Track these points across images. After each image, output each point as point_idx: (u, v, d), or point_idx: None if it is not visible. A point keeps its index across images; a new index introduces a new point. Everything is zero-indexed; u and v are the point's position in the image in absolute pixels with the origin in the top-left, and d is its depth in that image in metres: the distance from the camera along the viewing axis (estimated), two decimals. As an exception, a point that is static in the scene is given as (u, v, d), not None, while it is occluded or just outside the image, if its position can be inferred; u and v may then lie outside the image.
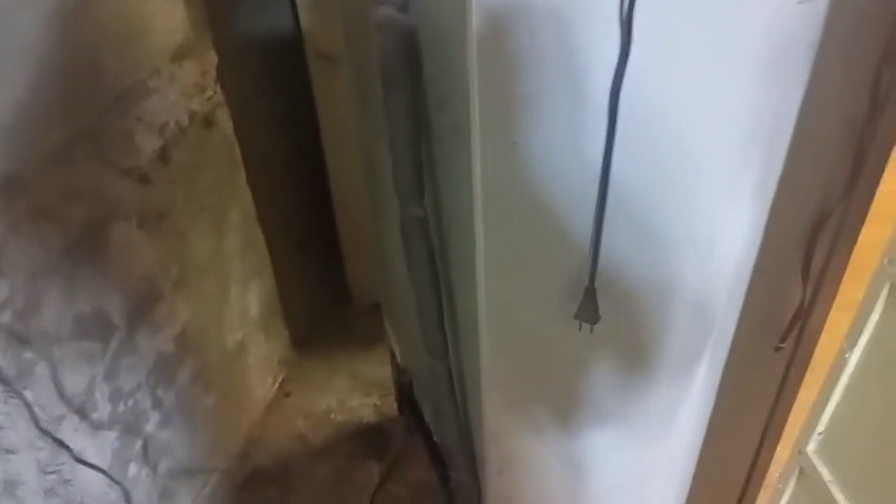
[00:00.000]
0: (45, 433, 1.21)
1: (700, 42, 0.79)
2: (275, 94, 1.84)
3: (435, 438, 1.34)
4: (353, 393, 2.11)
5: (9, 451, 1.14)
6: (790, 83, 0.86)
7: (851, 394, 0.85)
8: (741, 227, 0.99)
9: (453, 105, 0.79)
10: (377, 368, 2.11)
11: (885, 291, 0.76)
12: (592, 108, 0.79)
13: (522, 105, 0.77)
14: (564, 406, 1.15)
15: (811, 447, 0.92)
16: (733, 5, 0.78)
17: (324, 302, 2.28)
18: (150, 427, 1.53)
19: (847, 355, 0.82)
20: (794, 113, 0.88)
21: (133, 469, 1.49)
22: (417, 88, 0.85)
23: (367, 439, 1.96)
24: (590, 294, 0.94)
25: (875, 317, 0.78)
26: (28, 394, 1.15)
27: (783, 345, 1.17)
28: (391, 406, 2.00)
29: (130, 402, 1.45)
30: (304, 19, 1.75)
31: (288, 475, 1.88)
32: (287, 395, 2.11)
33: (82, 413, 1.31)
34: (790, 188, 0.96)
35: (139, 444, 1.50)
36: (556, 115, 0.80)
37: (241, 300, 1.81)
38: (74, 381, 1.27)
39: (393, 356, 1.82)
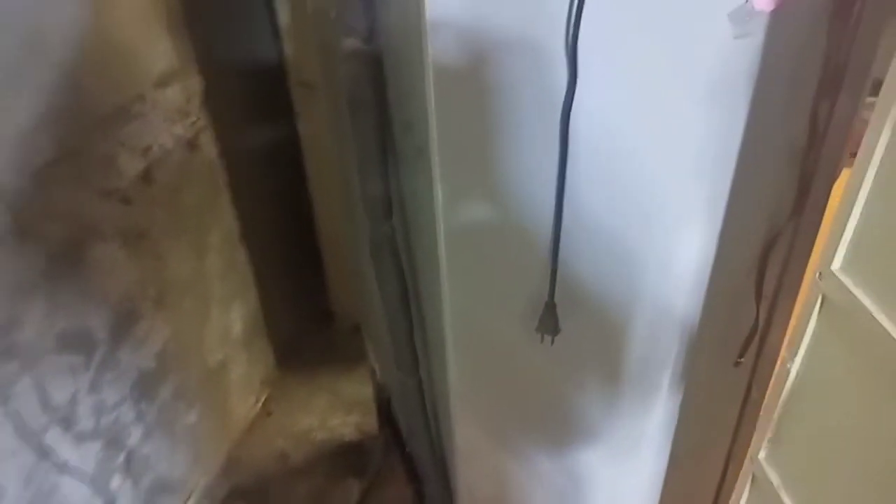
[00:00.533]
0: (30, 442, 1.24)
1: (643, 72, 0.85)
2: (258, 119, 1.90)
3: (408, 451, 1.37)
4: (335, 412, 2.13)
5: (-7, 461, 1.17)
6: (733, 112, 0.92)
7: (794, 403, 0.89)
8: (694, 247, 1.04)
9: (416, 128, 0.84)
10: (359, 388, 2.13)
11: (818, 304, 0.80)
12: (546, 131, 0.84)
13: (479, 128, 0.82)
14: (531, 420, 1.19)
15: (762, 454, 0.96)
16: (674, 39, 0.84)
17: (307, 322, 2.31)
18: (132, 440, 1.55)
19: (788, 366, 0.86)
20: (738, 140, 0.94)
21: (116, 481, 1.51)
22: (383, 113, 0.90)
23: (347, 457, 1.98)
24: (550, 308, 0.98)
25: (811, 328, 0.82)
26: (13, 404, 1.18)
27: (742, 360, 1.22)
28: (372, 424, 2.02)
29: (114, 415, 1.48)
30: (287, 48, 1.81)
31: (267, 494, 1.90)
32: (269, 413, 2.13)
33: (66, 424, 1.34)
34: (739, 211, 1.01)
35: (122, 456, 1.52)
36: (512, 139, 0.85)
37: (222, 320, 1.84)
38: (58, 393, 1.30)
39: (373, 374, 1.85)
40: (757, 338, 1.21)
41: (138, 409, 1.55)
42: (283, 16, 1.78)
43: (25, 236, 1.16)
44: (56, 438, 1.30)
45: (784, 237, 1.09)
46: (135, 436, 1.55)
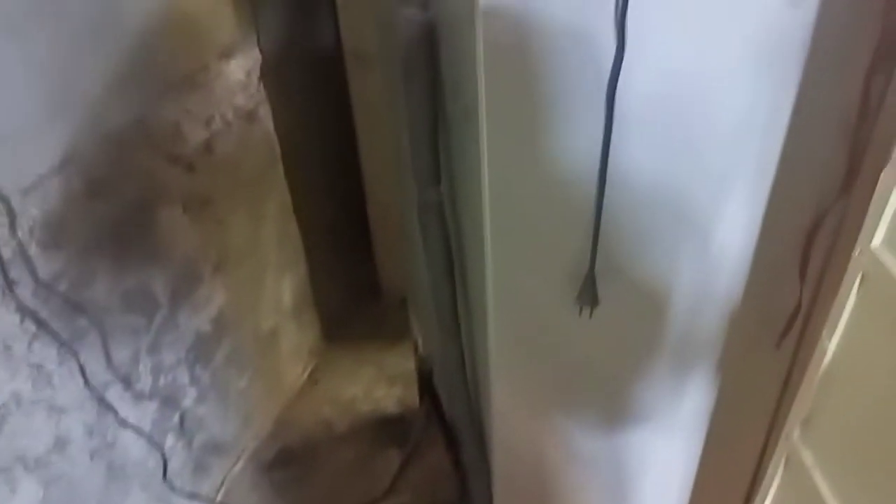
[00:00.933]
0: (94, 396, 1.32)
1: (692, 41, 0.86)
2: (313, 91, 1.95)
3: (447, 418, 1.41)
4: (379, 384, 2.19)
5: (61, 410, 1.25)
6: (783, 83, 0.92)
7: (830, 382, 0.89)
8: (738, 222, 1.05)
9: (465, 91, 0.87)
10: (403, 362, 2.18)
11: (857, 282, 0.80)
12: (592, 100, 0.86)
13: (526, 94, 0.85)
14: (567, 390, 1.21)
15: (796, 434, 0.96)
16: (726, 6, 0.85)
17: (354, 296, 2.37)
18: (187, 402, 1.63)
19: (826, 343, 0.86)
20: (788, 111, 0.94)
21: (170, 440, 1.59)
22: (435, 78, 0.93)
23: (389, 427, 2.04)
24: (590, 279, 1.00)
25: (849, 306, 0.82)
26: (80, 358, 1.26)
27: (783, 341, 1.21)
28: (413, 397, 2.07)
29: (170, 377, 1.55)
30: (343, 20, 1.85)
31: (313, 457, 1.97)
32: (315, 382, 2.20)
33: (127, 382, 1.42)
34: (786, 185, 1.01)
35: (177, 416, 1.60)
36: (559, 106, 0.87)
37: (275, 288, 1.91)
38: (121, 352, 1.38)
39: (416, 347, 1.90)
40: (800, 320, 1.20)
41: (193, 371, 1.62)
42: (339, -10, 1.83)
43: (97, 197, 1.24)
44: (117, 395, 1.38)
45: (832, 217, 1.08)
46: (189, 397, 1.63)
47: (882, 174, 0.78)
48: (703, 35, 0.86)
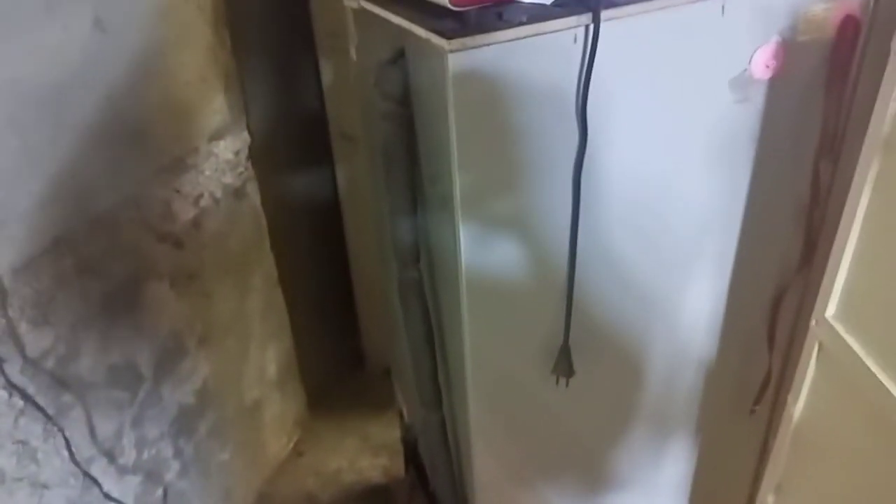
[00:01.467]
0: (79, 471, 1.31)
1: (651, 132, 0.93)
2: (301, 169, 2.02)
3: (431, 488, 1.42)
4: (364, 454, 2.18)
5: (44, 486, 1.25)
6: (737, 172, 0.99)
7: (798, 447, 0.93)
8: (705, 296, 1.10)
9: (441, 180, 0.93)
10: (387, 431, 2.18)
11: (815, 350, 0.85)
12: (561, 184, 0.92)
13: (498, 181, 0.91)
14: (548, 459, 1.23)
15: (770, 501, 0.99)
16: (679, 103, 0.92)
17: (339, 366, 2.38)
18: (170, 476, 1.62)
19: (792, 409, 0.91)
20: (743, 197, 1.01)
21: (153, 515, 1.58)
22: (413, 167, 0.99)
23: (374, 499, 2.02)
24: (564, 351, 1.04)
25: (809, 373, 0.87)
26: (66, 434, 1.27)
27: (757, 408, 1.25)
28: (398, 467, 2.06)
29: (154, 450, 1.55)
30: (329, 103, 1.94)
31: (296, 532, 1.94)
32: (300, 454, 2.18)
33: (111, 456, 1.41)
34: (748, 263, 1.07)
35: (160, 490, 1.59)
36: (529, 191, 0.93)
37: (259, 360, 1.93)
38: (105, 426, 1.38)
39: (401, 416, 1.91)
40: (772, 387, 1.24)
41: (177, 444, 1.62)
42: (327, 76, 1.92)
43: (86, 275, 1.27)
44: (101, 470, 1.38)
45: (794, 289, 1.14)
46: (172, 471, 1.62)
47: (832, 249, 0.84)
48: (660, 127, 0.93)
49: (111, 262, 1.33)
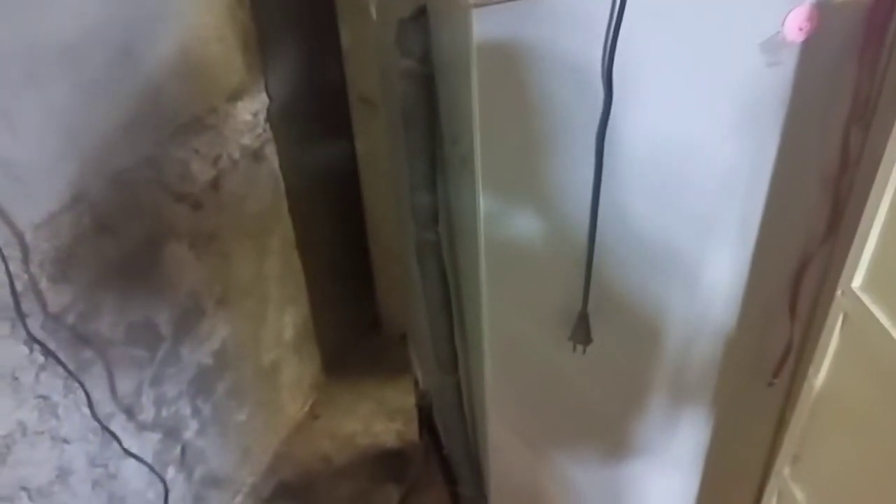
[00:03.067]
0: (98, 427, 1.34)
1: (678, 95, 0.91)
2: (319, 132, 2.01)
3: (445, 453, 1.43)
4: (379, 419, 2.20)
5: (64, 440, 1.27)
6: (765, 137, 0.97)
7: (817, 419, 0.92)
8: (725, 265, 1.08)
9: (462, 140, 0.91)
10: (403, 396, 2.20)
11: (839, 321, 0.83)
12: (583, 146, 0.91)
13: (520, 142, 0.89)
14: (562, 426, 1.23)
15: (787, 471, 0.99)
16: (709, 65, 0.90)
17: (355, 330, 2.39)
18: (188, 434, 1.65)
19: (813, 381, 0.89)
20: (770, 163, 0.98)
21: (171, 472, 1.61)
22: (433, 127, 0.98)
23: (389, 463, 2.04)
24: (582, 318, 1.03)
25: (833, 345, 0.85)
26: (87, 389, 1.29)
27: (775, 380, 1.24)
28: (413, 432, 2.08)
29: (173, 409, 1.58)
30: (349, 66, 1.92)
31: (311, 493, 1.97)
32: (315, 417, 2.21)
33: (130, 413, 1.44)
34: (772, 231, 1.05)
35: (178, 448, 1.62)
36: (551, 153, 0.91)
37: (277, 322, 1.94)
38: (125, 384, 1.40)
39: (416, 382, 1.92)
40: (792, 358, 1.23)
41: (195, 404, 1.65)
42: (346, 37, 1.89)
43: (105, 234, 1.28)
44: (121, 426, 1.40)
45: (818, 260, 1.12)
46: (191, 429, 1.65)
47: (862, 218, 0.82)
48: (687, 90, 0.91)
49: (130, 222, 1.33)
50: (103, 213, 1.26)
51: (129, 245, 1.35)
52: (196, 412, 1.66)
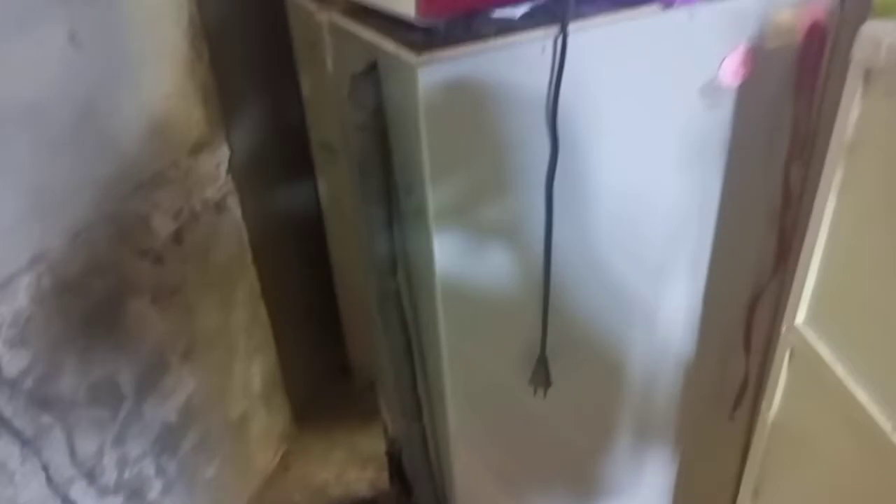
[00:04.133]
0: (57, 493, 1.30)
1: (623, 141, 0.94)
2: (282, 180, 2.02)
3: (414, 500, 1.42)
4: (351, 467, 2.17)
5: (21, 509, 1.23)
6: (708, 178, 1.00)
7: (773, 452, 0.93)
8: (680, 303, 1.11)
9: (415, 191, 0.93)
10: (374, 443, 2.17)
11: (786, 357, 0.85)
12: (533, 194, 0.93)
13: (471, 191, 0.91)
14: (528, 468, 1.23)
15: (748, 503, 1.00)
16: (649, 111, 0.93)
17: (324, 378, 2.37)
18: (153, 494, 1.60)
19: (766, 415, 0.91)
20: (715, 204, 1.02)
21: (136, 535, 1.56)
22: (388, 178, 1.00)
23: (362, 512, 2.01)
24: (541, 362, 1.04)
25: (782, 379, 0.87)
26: (44, 455, 1.25)
27: (736, 413, 1.26)
28: (385, 479, 2.06)
29: (136, 469, 1.54)
30: (310, 114, 1.94)
31: (284, 547, 1.93)
32: (287, 468, 2.17)
33: (91, 477, 1.40)
34: (721, 269, 1.08)
35: (142, 510, 1.58)
36: (502, 201, 0.93)
37: (244, 374, 1.91)
38: (85, 446, 1.36)
39: (385, 429, 1.90)
40: (751, 391, 1.25)
41: (159, 462, 1.61)
42: (307, 86, 1.92)
43: (65, 293, 1.26)
44: (81, 491, 1.36)
45: (769, 294, 1.15)
46: (155, 489, 1.61)
47: (801, 256, 0.84)
48: (632, 135, 0.94)
49: (91, 280, 1.32)
50: (63, 272, 1.25)
51: (89, 303, 1.33)
52: (161, 471, 1.62)
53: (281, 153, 1.98)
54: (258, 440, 2.05)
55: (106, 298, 1.37)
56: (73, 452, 1.33)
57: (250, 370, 1.95)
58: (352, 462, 2.17)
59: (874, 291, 0.73)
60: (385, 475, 2.06)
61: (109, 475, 1.45)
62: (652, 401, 1.20)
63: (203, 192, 1.62)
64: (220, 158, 1.67)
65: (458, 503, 1.20)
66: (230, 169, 1.71)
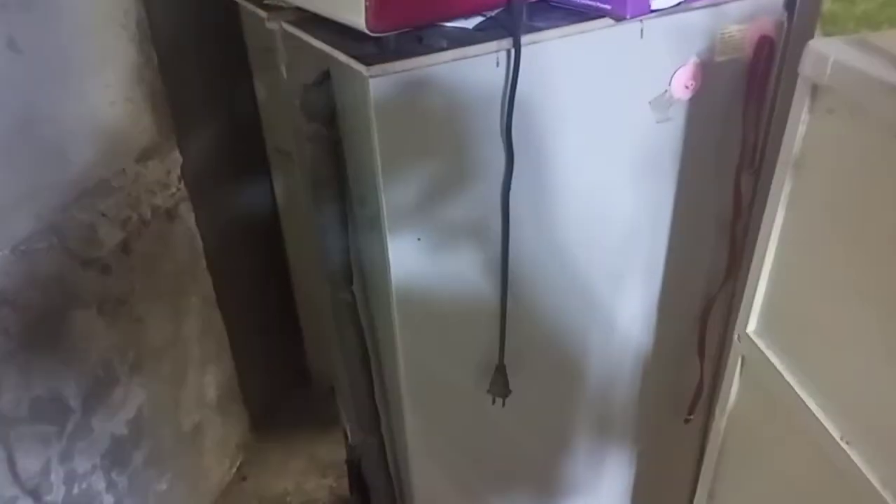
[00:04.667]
0: (-2, 514, 1.25)
1: (575, 153, 0.94)
2: (238, 186, 1.98)
3: (373, 512, 1.40)
4: (310, 475, 2.14)
5: (-40, 532, 1.18)
6: (661, 188, 1.01)
7: (726, 458, 0.95)
8: (636, 311, 1.12)
9: (369, 201, 0.92)
10: (334, 450, 2.15)
11: (738, 365, 0.87)
12: (488, 204, 0.93)
13: (425, 202, 0.90)
14: (488, 477, 1.23)
15: (702, 509, 1.01)
16: (602, 124, 0.93)
17: (283, 385, 2.34)
18: (103, 510, 1.56)
19: (719, 422, 0.92)
20: (669, 212, 1.03)
21: (85, 553, 1.51)
22: (342, 189, 0.98)
23: (321, 521, 1.98)
24: (500, 370, 1.04)
25: (734, 387, 0.89)
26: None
27: (691, 417, 1.28)
28: (346, 487, 2.03)
29: (84, 485, 1.49)
30: (265, 119, 1.91)
31: (240, 561, 1.89)
32: (244, 478, 2.13)
33: (36, 495, 1.35)
34: (675, 277, 1.09)
35: (92, 527, 1.53)
36: (457, 212, 0.93)
37: (198, 383, 1.87)
38: (29, 464, 1.32)
39: (346, 436, 1.88)
40: (705, 397, 1.27)
41: (109, 477, 1.56)
42: (262, 91, 1.89)
43: (4, 307, 1.21)
44: (25, 510, 1.32)
45: (721, 301, 1.17)
46: (106, 504, 1.57)
47: (752, 266, 0.86)
48: (585, 147, 0.94)
49: (31, 293, 1.27)
50: (1, 285, 1.20)
51: (31, 316, 1.28)
52: (111, 486, 1.57)
53: (236, 159, 1.94)
54: (213, 451, 2.01)
55: (49, 311, 1.32)
56: (15, 471, 1.29)
57: (204, 379, 1.91)
58: (311, 470, 2.14)
59: (821, 302, 0.74)
60: (345, 483, 2.03)
61: (57, 492, 1.40)
62: (610, 405, 1.21)
63: (153, 199, 1.58)
64: (171, 165, 1.63)
65: (416, 514, 1.19)
66: (183, 175, 1.67)
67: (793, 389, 0.76)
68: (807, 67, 0.70)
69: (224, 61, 1.83)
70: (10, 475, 1.27)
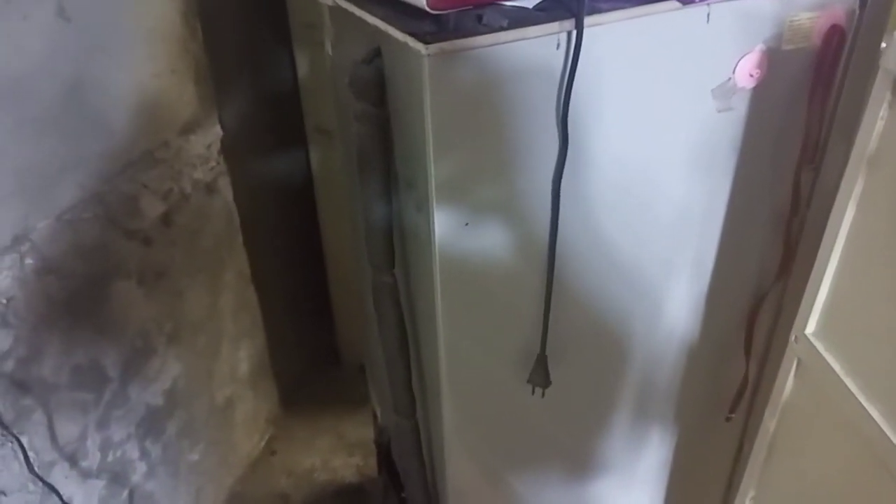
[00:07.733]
0: (37, 478, 1.27)
1: (631, 141, 0.91)
2: (275, 163, 1.98)
3: (404, 496, 1.40)
4: (338, 453, 2.16)
5: (1, 493, 1.21)
6: (718, 179, 0.98)
7: (773, 460, 0.92)
8: (683, 303, 1.09)
9: (418, 185, 0.90)
10: (362, 429, 2.16)
11: (793, 367, 0.84)
12: (539, 191, 0.90)
13: (475, 187, 0.88)
14: (524, 468, 1.21)
15: (746, 508, 0.99)
16: (661, 111, 0.90)
17: (313, 362, 2.35)
18: (136, 477, 1.58)
19: (769, 424, 0.90)
20: (723, 205, 0.99)
21: (118, 518, 1.54)
22: (388, 170, 0.96)
23: (347, 499, 2.00)
24: (541, 360, 1.02)
25: (787, 388, 0.86)
26: (24, 439, 1.22)
27: (732, 415, 1.25)
28: (373, 467, 2.04)
29: (119, 453, 1.51)
30: (305, 97, 1.90)
31: (267, 532, 1.92)
32: (273, 453, 2.15)
33: (73, 460, 1.37)
34: (725, 271, 1.06)
35: (125, 493, 1.55)
36: (507, 199, 0.90)
37: (231, 357, 1.89)
38: (68, 429, 1.34)
39: (375, 417, 1.88)
40: (749, 394, 1.24)
41: (143, 446, 1.58)
42: (303, 68, 1.87)
43: (49, 274, 1.22)
44: (63, 474, 1.34)
45: (772, 297, 1.13)
46: (139, 472, 1.59)
47: (815, 266, 0.82)
48: (643, 135, 0.91)
49: (75, 261, 1.28)
50: (47, 253, 1.21)
51: (74, 285, 1.29)
52: (145, 454, 1.60)
53: (275, 136, 1.94)
54: (244, 424, 2.03)
55: (91, 280, 1.33)
56: (54, 436, 1.31)
57: (237, 354, 1.92)
58: (339, 448, 2.15)
59: (886, 307, 0.71)
60: (372, 462, 2.04)
61: (93, 458, 1.43)
62: (649, 401, 1.19)
63: (193, 172, 1.58)
64: (211, 139, 1.63)
65: (450, 500, 1.18)
66: (222, 150, 1.67)
67: (853, 394, 0.73)
68: (890, 60, 0.66)
69: (266, 37, 1.82)
70: (50, 440, 1.29)
